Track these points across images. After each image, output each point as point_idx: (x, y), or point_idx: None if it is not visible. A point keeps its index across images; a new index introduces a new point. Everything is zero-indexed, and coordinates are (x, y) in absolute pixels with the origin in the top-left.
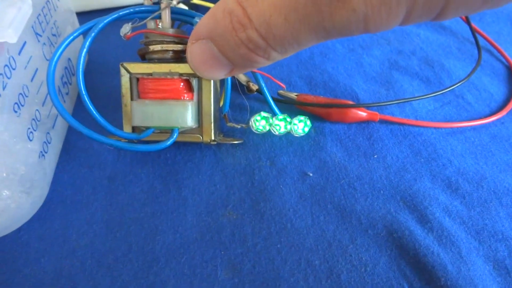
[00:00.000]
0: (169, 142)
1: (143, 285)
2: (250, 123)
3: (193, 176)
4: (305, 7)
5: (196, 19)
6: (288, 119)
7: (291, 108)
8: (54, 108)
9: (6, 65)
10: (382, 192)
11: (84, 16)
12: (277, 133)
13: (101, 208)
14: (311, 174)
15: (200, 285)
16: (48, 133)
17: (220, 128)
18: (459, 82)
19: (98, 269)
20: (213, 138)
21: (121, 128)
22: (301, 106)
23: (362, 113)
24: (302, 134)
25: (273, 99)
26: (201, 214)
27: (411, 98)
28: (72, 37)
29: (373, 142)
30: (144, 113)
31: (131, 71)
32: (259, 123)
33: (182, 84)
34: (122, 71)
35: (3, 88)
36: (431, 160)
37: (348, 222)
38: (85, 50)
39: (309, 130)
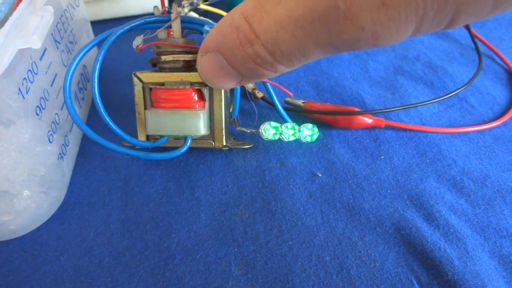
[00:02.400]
0: (182, 150)
1: (159, 281)
2: (260, 131)
3: (206, 177)
4: (312, 24)
5: (206, 27)
6: (297, 127)
7: (298, 114)
8: None
9: (29, 70)
10: (389, 191)
11: (97, 24)
12: (286, 140)
13: (117, 208)
14: (320, 175)
15: (215, 280)
16: (66, 136)
17: (231, 131)
18: (462, 87)
19: (116, 266)
20: (224, 143)
21: (135, 135)
22: (308, 113)
23: (368, 120)
24: (310, 141)
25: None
26: (214, 213)
27: (416, 104)
28: (87, 48)
29: (379, 144)
30: (158, 122)
31: (144, 80)
32: (269, 131)
33: (194, 93)
34: (135, 80)
35: (27, 92)
36: (436, 160)
37: (356, 220)
38: (99, 62)
39: (317, 138)
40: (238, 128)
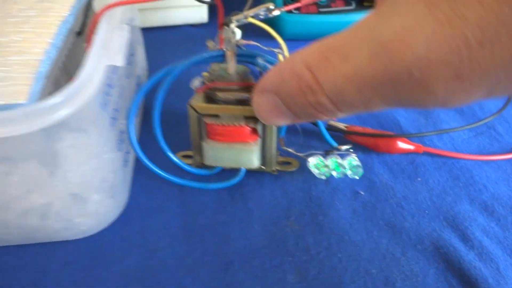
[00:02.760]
0: (236, 181)
1: (221, 285)
2: (308, 165)
3: (256, 190)
4: (381, 84)
5: (258, 60)
6: (340, 164)
7: (342, 138)
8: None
9: (108, 84)
10: (427, 212)
11: (146, 31)
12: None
13: (175, 214)
14: (362, 193)
15: (273, 287)
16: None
17: (278, 150)
18: (491, 116)
19: (179, 269)
20: (273, 168)
21: (181, 146)
22: (350, 136)
23: (409, 147)
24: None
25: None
26: (266, 224)
27: (448, 129)
28: (146, 88)
29: (416, 167)
30: (214, 155)
31: (200, 111)
32: (317, 168)
33: (248, 129)
34: (190, 111)
35: (106, 105)
36: (469, 185)
37: (398, 237)
38: (159, 103)
39: (360, 176)
40: (284, 147)
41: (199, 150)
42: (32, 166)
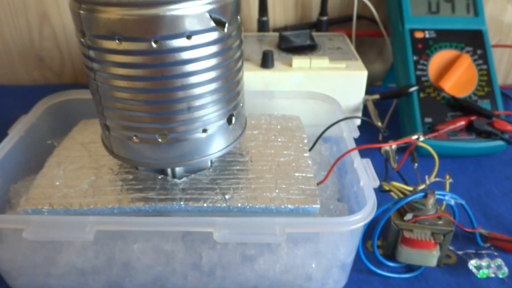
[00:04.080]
0: (417, 273)
1: None
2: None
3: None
4: None
5: (447, 198)
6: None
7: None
8: None
9: None
10: None
11: None
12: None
13: None
14: None
15: None
16: None
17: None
18: None
19: None
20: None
21: None
22: (494, 241)
23: None
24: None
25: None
26: None
27: None
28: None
29: None
30: (408, 257)
31: (399, 227)
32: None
33: (433, 243)
34: (392, 225)
35: None
36: None
37: None
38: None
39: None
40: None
41: (394, 249)
42: None
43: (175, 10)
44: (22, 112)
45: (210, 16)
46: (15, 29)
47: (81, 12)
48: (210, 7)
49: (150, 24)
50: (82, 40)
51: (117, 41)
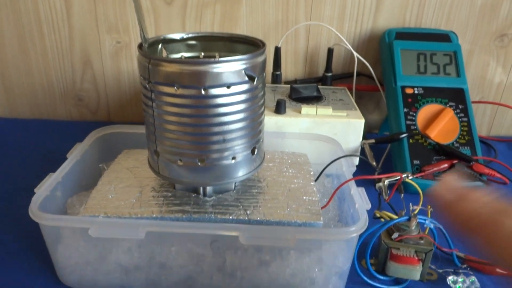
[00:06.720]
0: (403, 286)
1: None
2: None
3: None
4: None
5: (428, 222)
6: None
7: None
8: None
9: None
10: None
11: None
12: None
13: None
14: None
15: None
16: None
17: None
18: None
19: None
20: (425, 278)
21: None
22: (470, 263)
23: None
24: None
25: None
26: None
27: None
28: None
29: None
30: (395, 270)
31: (388, 245)
32: (453, 283)
33: (416, 259)
34: (382, 243)
35: None
36: None
37: None
38: (370, 245)
39: None
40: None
41: (384, 265)
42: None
43: (220, 67)
44: (61, 143)
45: (245, 72)
46: (60, 71)
47: (150, 66)
48: (245, 66)
49: (202, 77)
50: (147, 85)
51: (175, 87)
